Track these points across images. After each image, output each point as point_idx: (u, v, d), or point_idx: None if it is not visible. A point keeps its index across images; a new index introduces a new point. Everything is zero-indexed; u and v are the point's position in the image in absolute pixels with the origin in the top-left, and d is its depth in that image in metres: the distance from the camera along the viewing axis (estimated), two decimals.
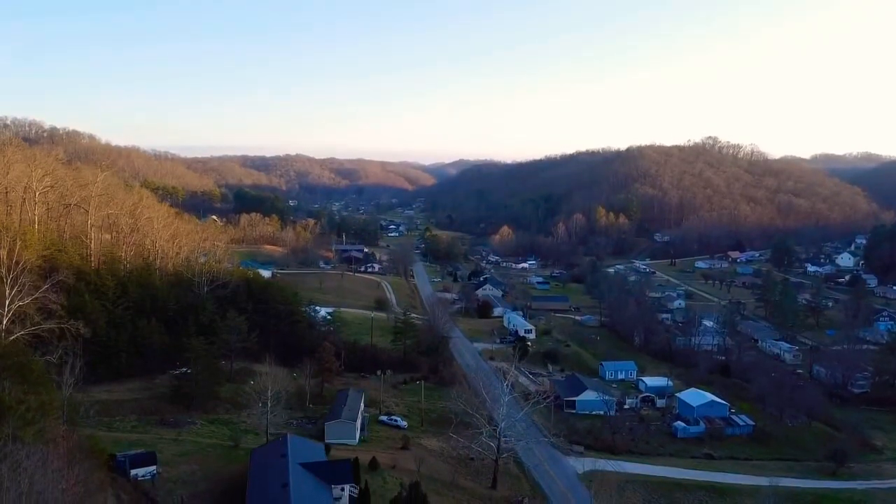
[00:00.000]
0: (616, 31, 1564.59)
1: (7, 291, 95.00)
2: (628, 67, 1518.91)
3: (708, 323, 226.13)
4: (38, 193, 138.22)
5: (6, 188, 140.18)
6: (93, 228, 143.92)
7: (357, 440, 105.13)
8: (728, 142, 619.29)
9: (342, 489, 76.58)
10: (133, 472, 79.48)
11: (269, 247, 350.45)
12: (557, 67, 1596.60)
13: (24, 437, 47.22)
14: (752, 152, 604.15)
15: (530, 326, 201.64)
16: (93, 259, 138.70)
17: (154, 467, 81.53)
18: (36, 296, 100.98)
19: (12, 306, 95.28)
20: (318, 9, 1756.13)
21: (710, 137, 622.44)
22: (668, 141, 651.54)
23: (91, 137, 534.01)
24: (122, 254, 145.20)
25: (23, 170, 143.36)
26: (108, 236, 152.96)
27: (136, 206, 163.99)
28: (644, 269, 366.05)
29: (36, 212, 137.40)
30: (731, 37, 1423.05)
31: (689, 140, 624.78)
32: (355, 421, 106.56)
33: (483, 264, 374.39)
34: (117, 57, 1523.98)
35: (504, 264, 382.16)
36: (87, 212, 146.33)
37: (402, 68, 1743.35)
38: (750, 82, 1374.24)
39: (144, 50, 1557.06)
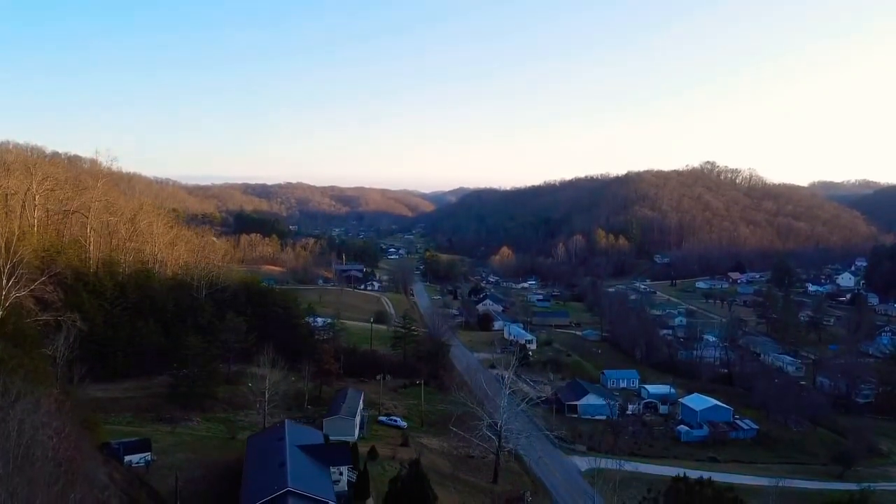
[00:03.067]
0: (615, 60, 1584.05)
1: (4, 282, 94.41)
2: (628, 96, 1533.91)
3: (710, 337, 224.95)
4: (37, 197, 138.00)
5: (6, 193, 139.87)
6: (92, 232, 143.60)
7: (356, 437, 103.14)
8: (726, 166, 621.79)
9: (340, 473, 75.08)
10: (127, 458, 78.14)
11: (268, 267, 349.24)
12: (557, 97, 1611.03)
13: (12, 390, 46.12)
14: (751, 177, 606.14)
15: (531, 337, 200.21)
16: (91, 262, 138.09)
17: (148, 454, 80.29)
18: (33, 287, 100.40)
19: (9, 297, 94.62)
20: (318, 38, 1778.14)
21: (708, 162, 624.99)
22: (666, 166, 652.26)
23: (93, 162, 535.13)
24: (121, 258, 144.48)
25: (23, 174, 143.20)
26: (107, 244, 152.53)
27: (135, 213, 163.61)
28: (645, 289, 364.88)
29: (35, 214, 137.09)
30: (728, 68, 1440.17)
31: (687, 165, 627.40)
32: (354, 417, 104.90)
33: (483, 284, 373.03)
34: (119, 83, 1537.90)
35: (504, 284, 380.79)
36: (87, 217, 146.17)
37: (402, 99, 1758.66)
38: (748, 110, 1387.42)
39: (146, 77, 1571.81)
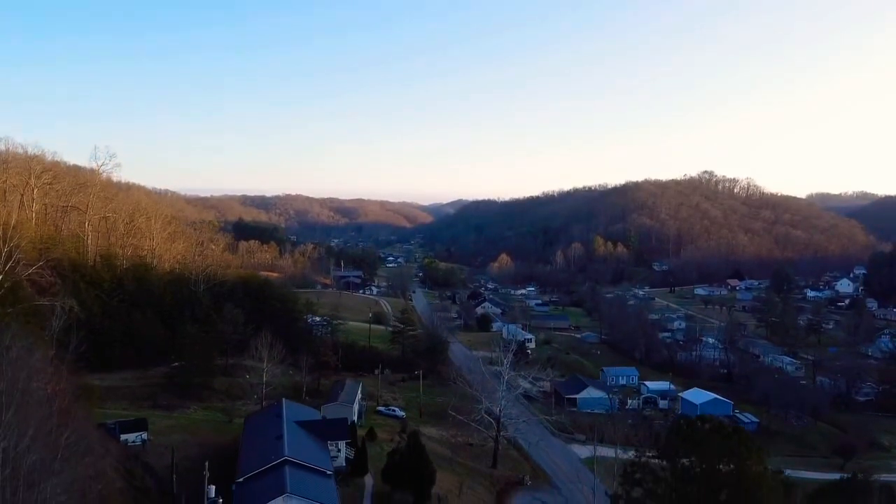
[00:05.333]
0: (612, 73, 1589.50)
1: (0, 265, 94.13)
2: (626, 107, 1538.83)
3: (709, 339, 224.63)
4: (35, 191, 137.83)
5: (4, 188, 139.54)
6: (90, 227, 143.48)
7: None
8: (724, 176, 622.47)
9: (338, 449, 74.54)
10: (123, 436, 77.80)
11: (266, 273, 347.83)
12: (555, 109, 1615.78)
13: (6, 337, 45.75)
14: (749, 186, 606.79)
15: (530, 336, 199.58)
16: (89, 255, 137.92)
17: (144, 433, 79.92)
18: (30, 272, 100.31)
19: (5, 280, 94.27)
20: (317, 55, 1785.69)
21: (706, 172, 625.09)
22: (663, 176, 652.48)
23: (92, 171, 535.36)
24: (119, 252, 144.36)
25: (22, 168, 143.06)
26: (104, 240, 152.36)
27: (134, 210, 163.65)
28: (643, 295, 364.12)
29: (34, 208, 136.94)
30: (724, 81, 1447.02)
31: (685, 174, 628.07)
32: (352, 404, 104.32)
33: (482, 290, 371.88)
34: (115, 95, 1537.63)
35: (503, 291, 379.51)
36: (85, 212, 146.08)
37: (401, 112, 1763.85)
38: (745, 122, 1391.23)
39: (142, 89, 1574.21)
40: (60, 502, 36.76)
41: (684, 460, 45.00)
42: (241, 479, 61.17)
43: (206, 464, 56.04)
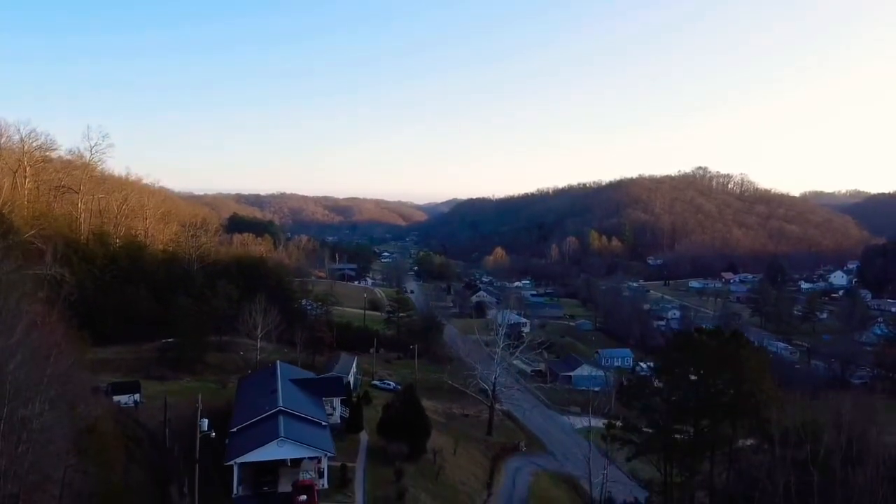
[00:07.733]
0: (610, 71, 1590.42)
1: None
2: (623, 107, 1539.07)
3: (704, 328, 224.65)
4: (28, 168, 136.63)
5: None
6: (83, 205, 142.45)
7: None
8: (718, 172, 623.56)
9: (333, 408, 74.01)
10: (116, 398, 77.18)
11: None
12: (550, 108, 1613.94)
13: None
14: (743, 182, 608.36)
15: (525, 320, 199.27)
16: (82, 234, 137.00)
17: (137, 395, 79.32)
18: (21, 238, 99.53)
19: None
20: (313, 54, 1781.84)
21: (700, 168, 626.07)
22: (658, 172, 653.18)
23: (84, 159, 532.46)
24: (113, 230, 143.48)
25: (14, 145, 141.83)
26: (98, 220, 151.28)
27: (127, 192, 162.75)
28: (638, 286, 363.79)
29: (27, 186, 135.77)
30: (719, 80, 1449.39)
31: (679, 170, 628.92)
32: (347, 375, 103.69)
33: (477, 283, 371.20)
34: (109, 93, 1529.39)
35: (498, 284, 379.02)
36: (78, 192, 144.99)
37: (397, 112, 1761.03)
38: (740, 120, 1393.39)
39: (138, 88, 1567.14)
40: (46, 420, 36.19)
41: (681, 370, 44.41)
42: (234, 430, 60.63)
43: (199, 397, 55.52)
